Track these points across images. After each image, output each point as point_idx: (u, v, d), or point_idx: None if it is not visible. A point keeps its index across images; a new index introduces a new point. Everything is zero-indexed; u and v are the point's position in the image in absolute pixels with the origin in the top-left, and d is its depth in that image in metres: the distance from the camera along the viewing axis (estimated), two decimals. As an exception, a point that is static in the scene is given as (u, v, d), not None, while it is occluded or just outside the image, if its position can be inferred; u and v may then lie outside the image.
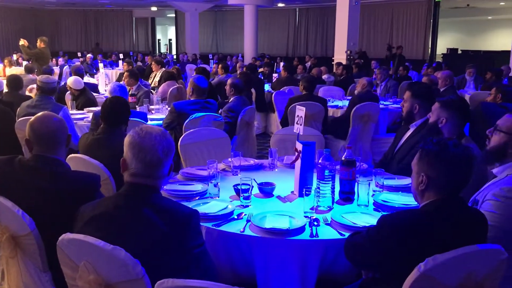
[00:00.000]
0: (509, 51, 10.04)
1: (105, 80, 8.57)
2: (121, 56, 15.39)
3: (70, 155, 2.86)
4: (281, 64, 11.49)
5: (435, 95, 5.09)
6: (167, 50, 27.83)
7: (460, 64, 11.45)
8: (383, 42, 19.81)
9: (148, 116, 5.01)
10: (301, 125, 2.78)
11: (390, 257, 1.72)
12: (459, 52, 18.41)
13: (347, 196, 2.58)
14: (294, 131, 2.85)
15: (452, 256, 1.58)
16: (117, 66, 13.97)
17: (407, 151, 3.22)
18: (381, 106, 6.14)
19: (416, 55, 18.48)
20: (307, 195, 2.34)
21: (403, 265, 1.62)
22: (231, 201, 2.52)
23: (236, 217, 2.30)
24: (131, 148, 1.81)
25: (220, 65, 8.89)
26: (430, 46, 18.50)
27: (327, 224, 2.23)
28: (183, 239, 1.72)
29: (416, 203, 1.96)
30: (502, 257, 1.67)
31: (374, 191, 2.70)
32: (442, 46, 19.80)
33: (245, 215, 2.31)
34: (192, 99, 4.66)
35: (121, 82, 6.28)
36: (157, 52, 25.68)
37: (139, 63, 14.37)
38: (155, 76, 8.80)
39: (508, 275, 1.75)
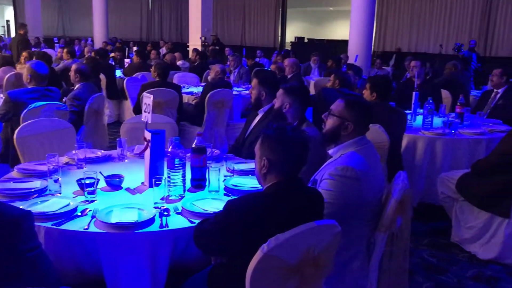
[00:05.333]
0: (347, 40, 10.98)
1: None
2: None
3: None
4: (134, 49, 11.08)
5: (283, 82, 5.38)
6: (4, 33, 24.96)
7: (307, 52, 12.24)
8: (236, 29, 20.33)
9: (-21, 107, 4.44)
10: (149, 113, 2.70)
11: (236, 241, 1.76)
12: (306, 40, 19.66)
13: (198, 183, 2.59)
14: (142, 119, 2.76)
15: (292, 234, 1.66)
16: None
17: (256, 136, 3.33)
18: (234, 92, 6.29)
19: (267, 43, 19.31)
20: (157, 185, 2.29)
21: (249, 248, 1.67)
22: (74, 197, 2.36)
23: (80, 213, 2.15)
24: None
25: (65, 50, 8.25)
26: (280, 35, 19.46)
27: (177, 213, 2.22)
28: (13, 243, 1.55)
29: (262, 186, 2.03)
30: (336, 230, 1.81)
31: (225, 176, 2.76)
32: (290, 35, 20.95)
33: (90, 211, 2.18)
34: (30, 86, 4.23)
35: None
36: (-8, 35, 22.89)
37: (-31, 47, 12.67)
38: (-12, 61, 7.82)
39: (341, 246, 1.90)
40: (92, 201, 2.29)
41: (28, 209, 1.81)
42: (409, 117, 4.58)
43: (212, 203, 2.33)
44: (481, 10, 14.34)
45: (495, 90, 5.55)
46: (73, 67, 4.80)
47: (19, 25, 11.20)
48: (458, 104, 4.67)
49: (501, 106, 5.37)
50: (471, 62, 10.22)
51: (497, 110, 5.35)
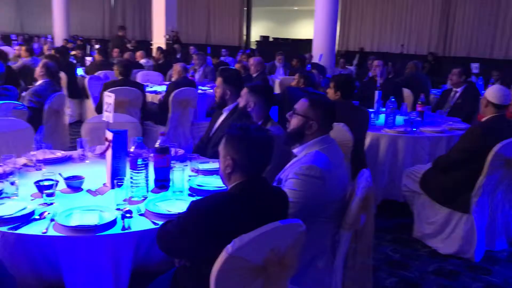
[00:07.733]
0: (312, 40, 11.06)
1: None
2: None
3: None
4: (96, 46, 10.83)
5: (248, 81, 5.37)
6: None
7: (271, 51, 12.27)
8: (201, 28, 20.19)
9: None
10: (110, 112, 2.64)
11: (200, 242, 1.73)
12: (271, 39, 19.72)
13: (162, 183, 2.55)
14: (103, 119, 2.69)
15: (256, 234, 1.65)
16: None
17: (221, 135, 3.30)
18: (199, 91, 6.24)
19: (232, 41, 19.27)
20: (119, 186, 2.23)
21: (213, 249, 1.64)
22: (32, 199, 2.27)
23: (38, 217, 2.08)
24: None
25: (23, 47, 7.98)
26: (245, 33, 19.45)
27: (140, 214, 2.17)
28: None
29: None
30: (300, 229, 1.81)
31: (189, 176, 2.72)
32: (255, 34, 20.97)
33: (48, 214, 2.11)
34: (-15, 85, 4.08)
35: None
36: None
37: None
38: None
39: (306, 244, 1.90)
40: (51, 204, 2.22)
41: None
42: (371, 115, 4.66)
43: (176, 204, 2.29)
44: (441, 10, 14.76)
45: (454, 89, 5.71)
46: (43, 61, 4.68)
47: (118, 27, 12.25)
48: (419, 102, 4.77)
49: (460, 104, 5.53)
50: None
51: (456, 108, 5.51)
